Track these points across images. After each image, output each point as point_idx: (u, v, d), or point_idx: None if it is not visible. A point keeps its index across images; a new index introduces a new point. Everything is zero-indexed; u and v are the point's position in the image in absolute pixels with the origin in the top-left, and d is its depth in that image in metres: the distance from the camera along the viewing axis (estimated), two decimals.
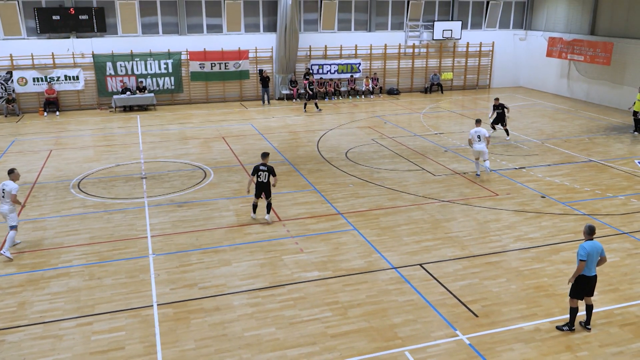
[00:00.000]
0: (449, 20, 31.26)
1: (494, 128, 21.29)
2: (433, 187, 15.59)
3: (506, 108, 20.78)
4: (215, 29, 28.05)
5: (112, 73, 26.50)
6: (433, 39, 31.00)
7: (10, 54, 25.15)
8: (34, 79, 25.55)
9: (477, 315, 9.34)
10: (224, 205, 14.31)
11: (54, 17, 25.08)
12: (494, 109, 20.89)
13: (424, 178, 16.43)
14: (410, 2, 30.45)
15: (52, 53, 25.69)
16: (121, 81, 26.63)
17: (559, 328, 8.92)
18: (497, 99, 21.00)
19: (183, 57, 27.41)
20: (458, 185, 15.81)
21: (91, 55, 26.17)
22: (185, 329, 8.97)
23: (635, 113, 21.79)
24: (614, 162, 18.11)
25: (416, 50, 31.27)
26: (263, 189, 13.03)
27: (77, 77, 26.10)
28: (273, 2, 28.25)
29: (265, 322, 9.14)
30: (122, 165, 17.76)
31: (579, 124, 23.66)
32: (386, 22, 30.66)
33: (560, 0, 30.44)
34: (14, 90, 25.34)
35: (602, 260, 8.70)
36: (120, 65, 26.54)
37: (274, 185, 13.07)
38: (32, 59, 25.46)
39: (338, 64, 29.75)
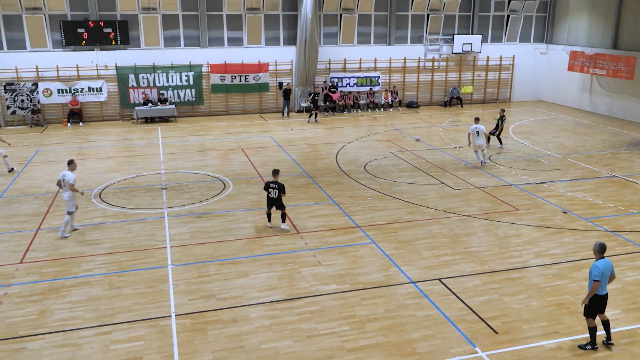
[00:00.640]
0: (469, 34, 31.21)
1: (491, 140, 21.37)
2: (452, 201, 15.47)
3: (504, 118, 21.70)
4: (236, 42, 28.37)
5: (135, 85, 26.93)
6: (453, 53, 30.95)
7: (36, 66, 25.71)
8: (58, 91, 26.07)
9: (497, 332, 9.20)
10: (242, 216, 14.38)
11: (79, 30, 25.64)
12: (500, 121, 21.51)
13: (443, 192, 16.32)
14: (430, 16, 30.48)
15: (77, 65, 26.20)
16: (143, 93, 27.03)
17: (581, 347, 8.77)
18: (502, 110, 21.83)
19: (204, 69, 27.75)
20: (478, 199, 15.67)
21: (114, 68, 26.63)
22: (203, 340, 8.98)
23: None
24: (638, 177, 17.80)
25: (436, 63, 31.22)
26: (274, 203, 13.30)
27: (101, 89, 26.57)
28: (293, 15, 28.51)
29: (282, 335, 9.12)
30: (142, 176, 17.97)
31: (601, 139, 23.34)
32: (406, 35, 30.71)
33: (581, 14, 30.20)
34: (39, 102, 25.87)
35: (612, 277, 8.60)
36: (143, 77, 26.97)
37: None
38: (57, 70, 25.99)
39: (357, 77, 29.84)
